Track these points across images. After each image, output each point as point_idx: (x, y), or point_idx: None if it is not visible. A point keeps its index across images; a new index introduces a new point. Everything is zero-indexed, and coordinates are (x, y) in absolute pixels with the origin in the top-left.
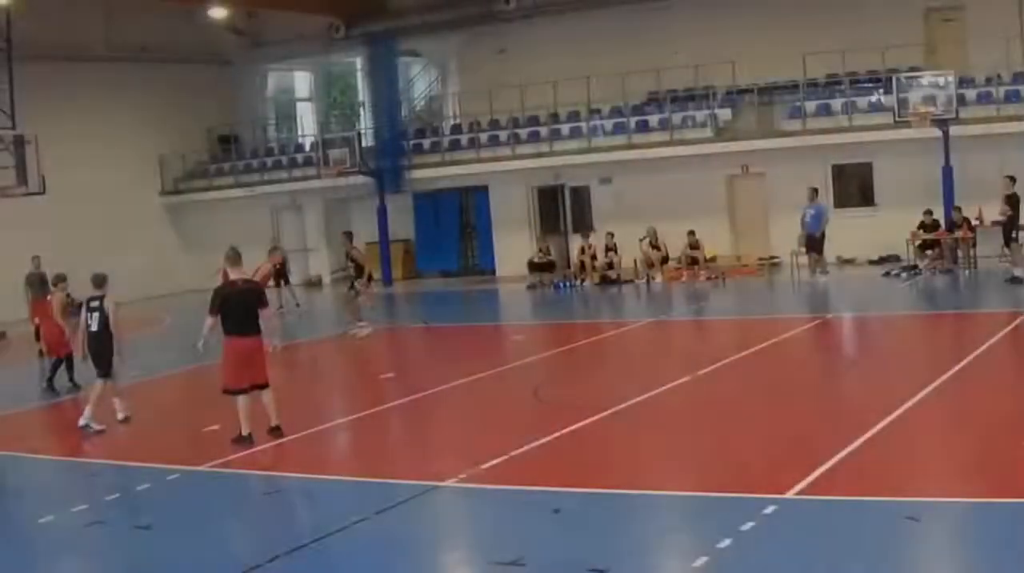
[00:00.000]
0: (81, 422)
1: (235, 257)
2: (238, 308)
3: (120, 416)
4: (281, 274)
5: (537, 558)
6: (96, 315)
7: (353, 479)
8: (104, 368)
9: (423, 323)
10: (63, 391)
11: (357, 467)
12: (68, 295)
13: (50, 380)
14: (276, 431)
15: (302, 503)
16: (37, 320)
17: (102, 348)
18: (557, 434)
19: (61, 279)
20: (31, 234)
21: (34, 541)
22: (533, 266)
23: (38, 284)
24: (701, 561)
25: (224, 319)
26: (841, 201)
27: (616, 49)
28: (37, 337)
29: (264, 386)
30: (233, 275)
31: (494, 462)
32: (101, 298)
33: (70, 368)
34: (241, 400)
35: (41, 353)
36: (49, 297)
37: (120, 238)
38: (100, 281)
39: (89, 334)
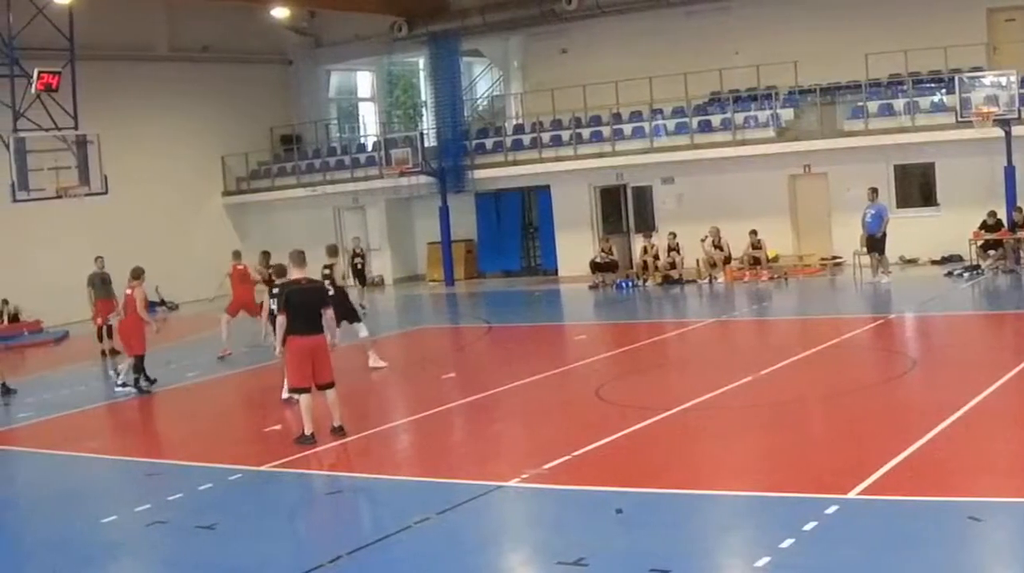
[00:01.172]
0: (372, 364)
1: (299, 257)
2: (302, 307)
3: (372, 364)
4: (359, 273)
5: (599, 558)
6: (329, 282)
7: (415, 479)
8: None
9: (484, 323)
10: (146, 388)
11: (419, 467)
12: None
13: (137, 380)
14: (339, 431)
15: (364, 503)
16: (100, 320)
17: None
18: (619, 434)
19: (141, 273)
20: (93, 234)
21: (97, 541)
22: (595, 266)
23: (100, 284)
24: (763, 561)
25: (288, 318)
26: (903, 201)
27: (678, 49)
28: (100, 337)
29: (329, 385)
30: (296, 274)
31: (556, 462)
32: (332, 266)
33: (141, 368)
34: (304, 399)
35: (104, 353)
36: (130, 291)
37: (182, 238)
38: (334, 250)
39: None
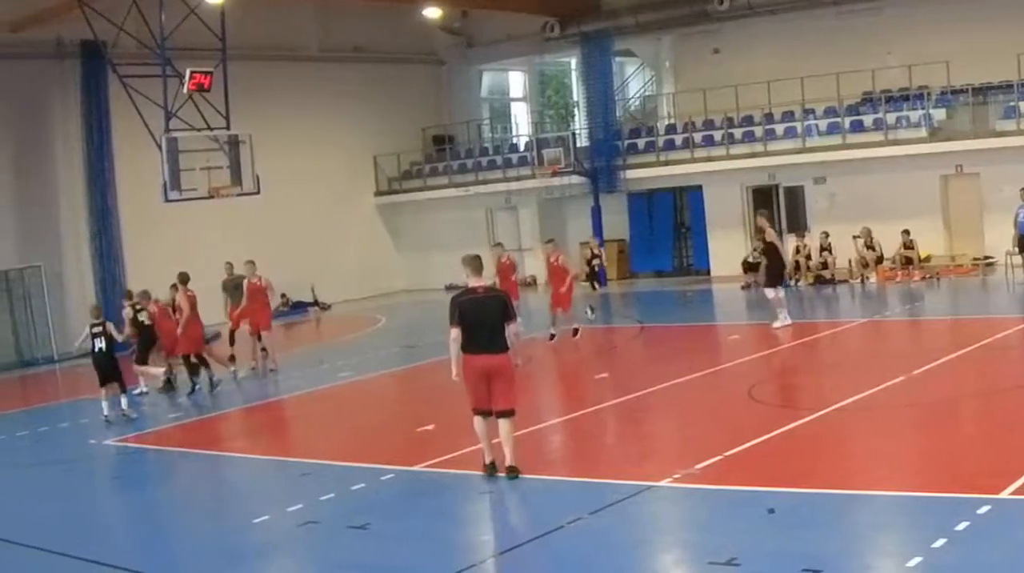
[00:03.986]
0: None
1: (475, 262)
2: (476, 321)
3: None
4: (595, 275)
5: (751, 558)
6: (760, 248)
7: (567, 479)
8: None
9: (637, 323)
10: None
11: (571, 467)
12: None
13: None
14: (512, 472)
15: (516, 503)
16: (233, 325)
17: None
18: (771, 434)
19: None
20: (245, 234)
21: (249, 540)
22: (747, 266)
23: (232, 290)
24: (915, 561)
25: (462, 333)
26: None
27: (830, 49)
28: (231, 341)
29: (507, 413)
30: (473, 282)
31: (708, 462)
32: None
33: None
34: (478, 423)
35: (233, 358)
36: (258, 281)
37: (334, 238)
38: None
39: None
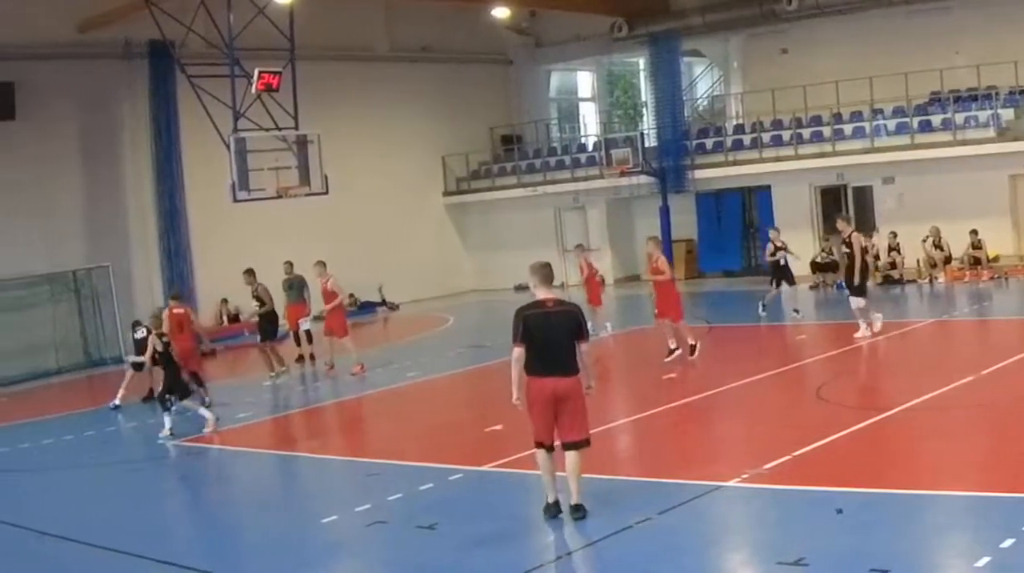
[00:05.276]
0: (861, 333)
1: (544, 271)
2: (543, 338)
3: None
4: (783, 272)
5: (819, 558)
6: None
7: (635, 479)
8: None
9: (705, 323)
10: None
11: (639, 467)
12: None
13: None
14: (577, 511)
15: (585, 503)
16: (292, 325)
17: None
18: (839, 434)
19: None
20: (314, 234)
21: (317, 541)
22: (816, 266)
23: (288, 289)
24: (983, 561)
25: (527, 352)
26: None
27: (898, 49)
28: (297, 341)
29: (577, 445)
30: (541, 294)
31: (777, 462)
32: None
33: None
34: (541, 457)
35: (301, 358)
36: (329, 281)
37: (402, 238)
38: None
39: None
